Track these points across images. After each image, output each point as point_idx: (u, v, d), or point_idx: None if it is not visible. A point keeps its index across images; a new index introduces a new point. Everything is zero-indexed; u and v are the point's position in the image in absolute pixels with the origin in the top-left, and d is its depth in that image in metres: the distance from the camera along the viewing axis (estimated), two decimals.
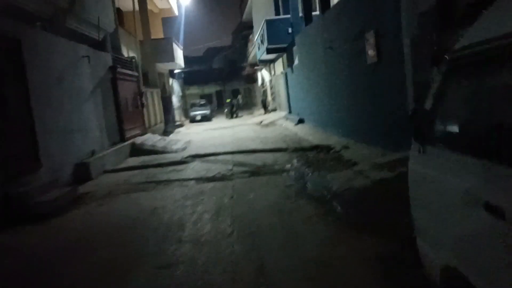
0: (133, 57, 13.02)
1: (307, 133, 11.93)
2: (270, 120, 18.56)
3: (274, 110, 22.80)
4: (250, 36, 26.68)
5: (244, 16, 27.57)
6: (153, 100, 15.95)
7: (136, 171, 8.24)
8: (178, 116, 24.44)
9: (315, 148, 9.14)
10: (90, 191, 6.64)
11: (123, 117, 10.84)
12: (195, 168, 7.92)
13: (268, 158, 8.40)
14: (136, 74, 12.71)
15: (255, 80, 34.26)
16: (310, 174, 6.45)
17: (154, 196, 5.95)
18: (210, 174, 7.12)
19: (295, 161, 7.81)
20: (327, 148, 8.89)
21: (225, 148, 10.39)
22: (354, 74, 8.37)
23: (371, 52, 7.17)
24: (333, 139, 9.80)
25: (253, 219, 4.36)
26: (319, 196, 5.12)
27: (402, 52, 6.10)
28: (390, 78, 6.61)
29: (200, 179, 6.80)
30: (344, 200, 4.81)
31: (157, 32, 20.61)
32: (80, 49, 8.67)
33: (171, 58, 18.00)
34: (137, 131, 12.06)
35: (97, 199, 6.05)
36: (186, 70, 33.19)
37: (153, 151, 10.73)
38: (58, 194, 5.77)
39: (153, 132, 14.53)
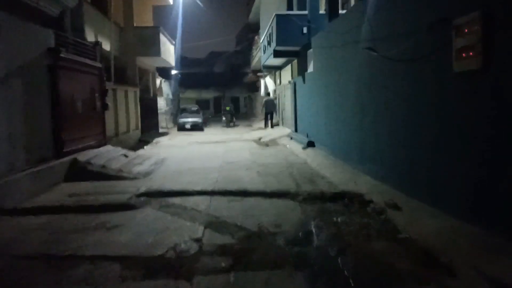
0: (97, 42, 9.77)
1: (322, 164, 8.66)
2: (272, 137, 15.30)
3: (277, 125, 19.59)
4: (256, 38, 23.55)
5: (251, 16, 24.46)
6: (126, 101, 12.67)
7: (45, 218, 4.94)
8: (165, 122, 21.14)
9: (340, 197, 5.89)
10: None
11: (64, 122, 7.55)
12: (140, 226, 4.62)
13: (267, 212, 5.13)
14: (98, 65, 9.45)
15: (257, 88, 31.14)
16: (353, 285, 3.17)
17: None
18: (157, 251, 3.82)
19: (313, 228, 4.53)
20: (359, 201, 5.64)
21: (205, 180, 7.10)
22: (418, 87, 5.13)
23: (468, 52, 3.96)
24: (363, 181, 6.56)
25: None
26: None
27: None
28: None
29: (132, 267, 3.50)
30: None
31: (146, 22, 17.40)
32: None
33: (157, 52, 14.68)
34: (89, 142, 8.76)
35: None
36: (184, 72, 30.17)
37: (101, 175, 7.42)
38: None
39: (120, 143, 11.23)
